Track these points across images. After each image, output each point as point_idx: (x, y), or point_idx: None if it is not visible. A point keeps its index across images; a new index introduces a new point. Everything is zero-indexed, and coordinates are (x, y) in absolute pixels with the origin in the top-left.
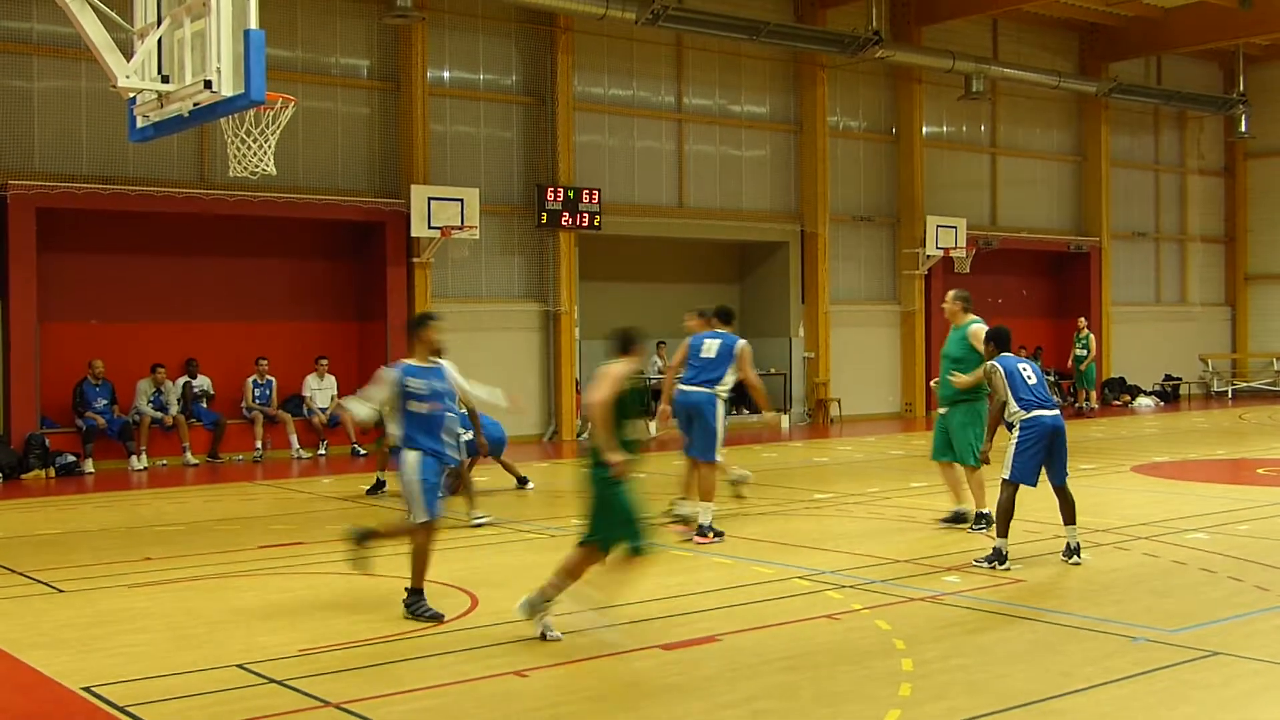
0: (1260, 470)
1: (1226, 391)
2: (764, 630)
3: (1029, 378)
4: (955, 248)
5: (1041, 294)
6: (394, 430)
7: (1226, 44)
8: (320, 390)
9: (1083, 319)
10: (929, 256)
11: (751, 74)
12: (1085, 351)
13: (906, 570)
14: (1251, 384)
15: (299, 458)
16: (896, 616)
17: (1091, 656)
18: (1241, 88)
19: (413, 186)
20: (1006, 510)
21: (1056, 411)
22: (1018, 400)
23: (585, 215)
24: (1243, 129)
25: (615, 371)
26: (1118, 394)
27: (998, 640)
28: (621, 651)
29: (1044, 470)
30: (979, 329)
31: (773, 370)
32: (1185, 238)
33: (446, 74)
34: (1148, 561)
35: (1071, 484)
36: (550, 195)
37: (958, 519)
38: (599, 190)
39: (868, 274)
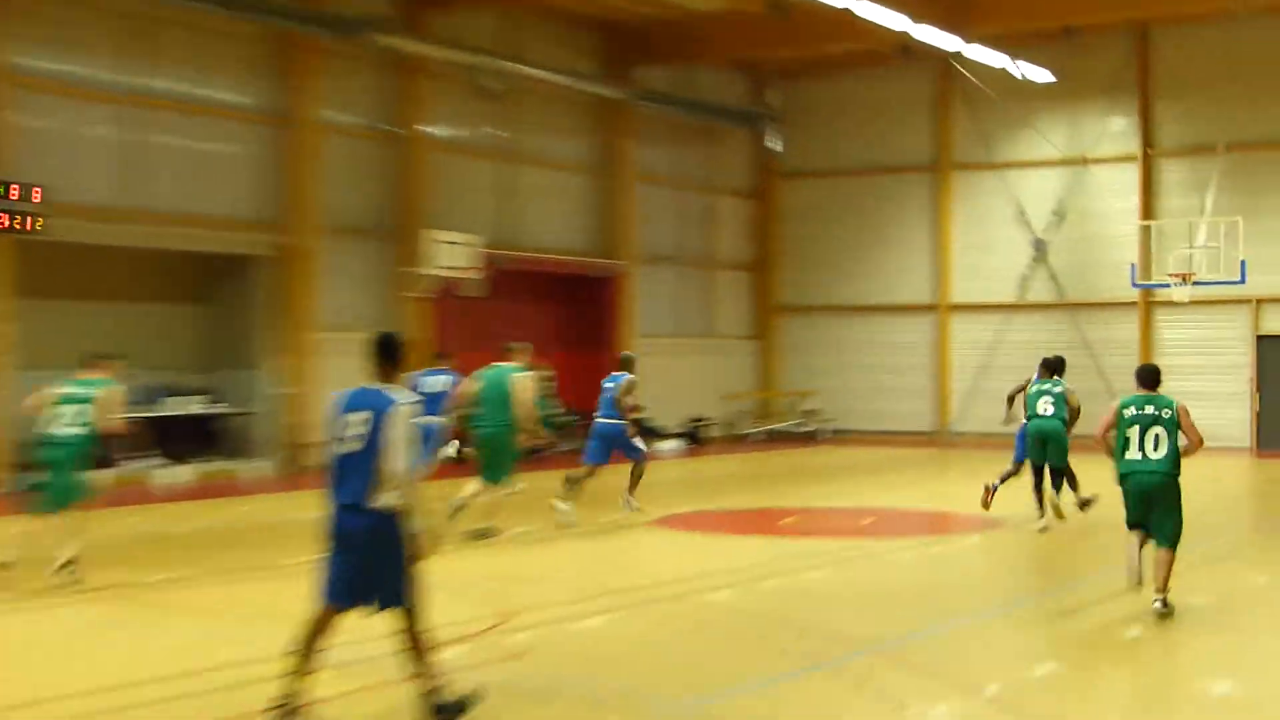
0: (785, 521)
1: (754, 433)
2: None
3: None
4: (461, 267)
5: (560, 322)
6: None
7: (757, 55)
8: None
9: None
10: (427, 276)
11: (225, 56)
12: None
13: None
14: (778, 426)
15: None
16: (379, 699)
17: None
18: (772, 103)
19: None
20: None
21: None
22: None
23: (22, 217)
24: (775, 146)
25: None
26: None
27: None
28: None
29: None
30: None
31: (237, 409)
32: (715, 264)
33: None
34: (667, 624)
35: (587, 541)
36: None
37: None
38: (40, 188)
39: (364, 295)
